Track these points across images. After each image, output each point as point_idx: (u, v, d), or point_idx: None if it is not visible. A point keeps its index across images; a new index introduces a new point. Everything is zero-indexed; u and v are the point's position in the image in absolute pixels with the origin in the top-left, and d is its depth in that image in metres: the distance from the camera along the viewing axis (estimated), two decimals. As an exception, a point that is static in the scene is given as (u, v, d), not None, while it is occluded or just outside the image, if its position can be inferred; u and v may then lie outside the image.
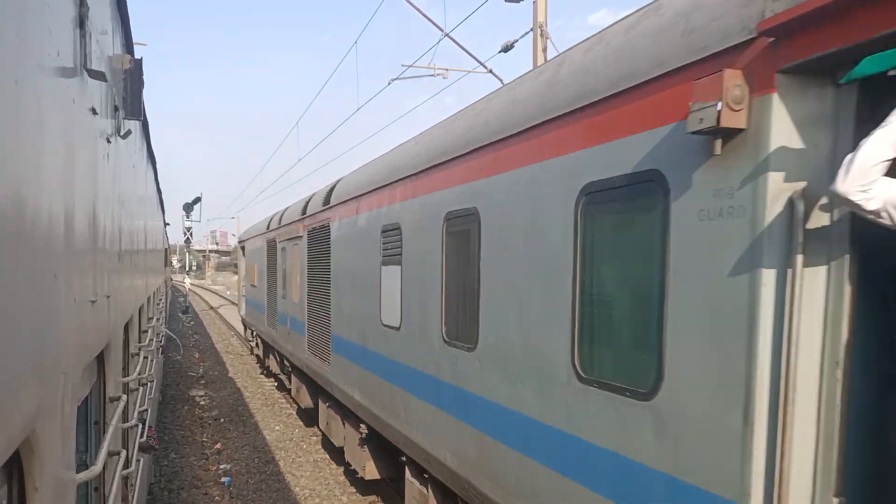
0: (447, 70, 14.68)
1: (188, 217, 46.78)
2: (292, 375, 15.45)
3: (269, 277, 17.47)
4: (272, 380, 20.85)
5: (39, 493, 1.85)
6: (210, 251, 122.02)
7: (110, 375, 4.07)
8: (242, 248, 25.31)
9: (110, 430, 3.47)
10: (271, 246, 16.98)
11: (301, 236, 12.93)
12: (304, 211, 12.92)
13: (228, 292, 76.59)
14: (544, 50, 12.53)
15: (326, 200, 11.09)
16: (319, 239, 11.49)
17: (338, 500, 10.51)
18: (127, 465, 4.43)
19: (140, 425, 6.18)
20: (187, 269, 62.87)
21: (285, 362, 16.25)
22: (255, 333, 22.99)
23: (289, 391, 16.80)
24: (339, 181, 10.90)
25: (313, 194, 13.01)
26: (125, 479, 4.77)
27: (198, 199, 46.89)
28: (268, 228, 17.65)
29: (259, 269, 19.64)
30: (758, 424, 2.92)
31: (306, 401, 14.08)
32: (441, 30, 13.10)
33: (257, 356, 22.85)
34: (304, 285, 12.54)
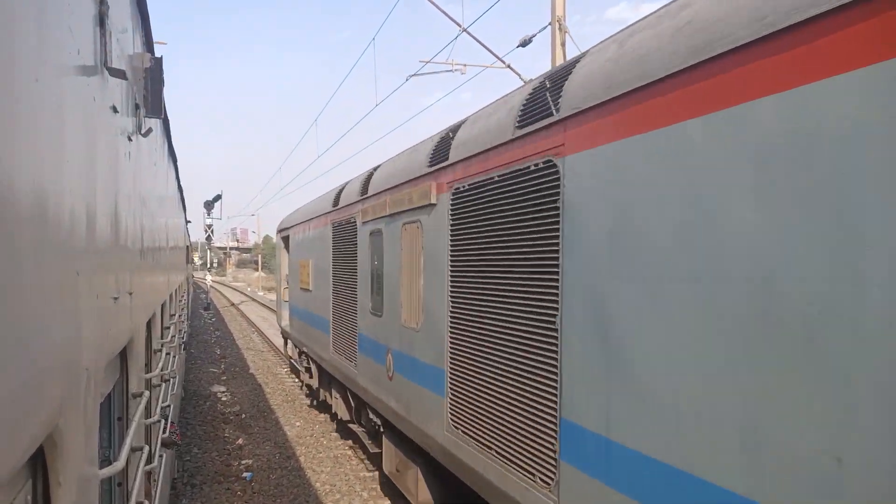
0: (465, 66, 14.64)
1: (209, 215, 47.25)
2: (385, 437, 9.40)
3: (340, 280, 11.44)
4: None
5: (63, 488, 1.87)
6: (231, 248, 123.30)
7: (133, 372, 4.11)
8: (285, 238, 18.36)
9: (133, 425, 3.50)
10: (344, 231, 11.19)
11: (431, 206, 6.96)
12: (437, 158, 6.99)
13: (249, 289, 77.41)
14: (563, 44, 12.44)
15: (547, 100, 4.87)
16: (509, 203, 5.30)
17: (358, 496, 10.56)
18: (150, 460, 4.48)
19: (163, 421, 6.25)
20: (208, 266, 63.60)
21: (370, 414, 10.25)
22: (303, 354, 16.52)
23: (374, 451, 10.82)
24: (579, 60, 4.85)
25: (463, 121, 6.84)
26: (148, 474, 4.82)
27: (218, 197, 47.31)
28: (335, 206, 11.75)
29: (316, 268, 13.52)
30: None
31: (424, 496, 7.91)
32: (459, 25, 13.06)
33: (309, 387, 16.57)
34: (443, 299, 6.63)
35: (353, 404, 11.83)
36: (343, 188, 11.75)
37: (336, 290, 11.75)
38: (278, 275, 21.03)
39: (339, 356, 11.63)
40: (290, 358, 19.82)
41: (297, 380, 19.55)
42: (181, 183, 15.19)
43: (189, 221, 29.09)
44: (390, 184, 8.51)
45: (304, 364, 16.58)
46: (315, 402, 16.23)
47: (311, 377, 15.95)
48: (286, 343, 20.49)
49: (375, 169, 9.96)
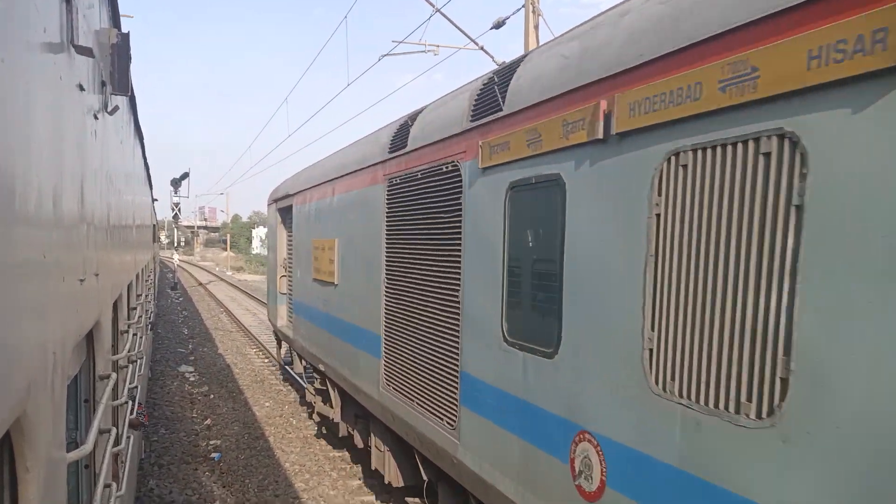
0: (438, 46, 14.55)
1: (176, 193, 46.53)
2: None
3: (409, 273, 7.08)
4: (263, 355, 20.87)
5: (31, 473, 1.86)
6: (198, 227, 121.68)
7: (100, 353, 4.07)
8: (284, 210, 13.62)
9: (101, 408, 3.47)
10: (422, 190, 6.76)
11: None
12: None
13: (217, 269, 76.61)
14: (536, 27, 12.44)
15: None
16: None
17: (327, 476, 10.61)
18: (117, 442, 4.45)
19: (130, 402, 6.19)
20: (175, 245, 62.70)
21: None
22: (313, 371, 12.44)
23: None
24: None
25: None
26: (115, 456, 4.79)
27: (186, 175, 46.59)
28: (395, 150, 7.45)
29: (349, 251, 9.09)
30: None
31: None
32: (432, 5, 12.95)
33: (322, 416, 12.02)
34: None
35: (426, 478, 7.25)
36: (414, 117, 7.21)
37: (397, 288, 7.28)
38: (272, 258, 15.67)
39: (404, 399, 7.16)
40: (287, 365, 16.23)
41: (296, 395, 15.58)
42: (148, 160, 14.92)
43: (156, 199, 28.61)
44: (630, 60, 3.86)
45: (318, 384, 11.96)
46: (324, 431, 12.47)
47: (326, 404, 11.40)
48: (280, 345, 16.30)
49: (517, 64, 5.38)
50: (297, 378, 14.99)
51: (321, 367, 10.94)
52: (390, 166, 7.51)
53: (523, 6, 12.70)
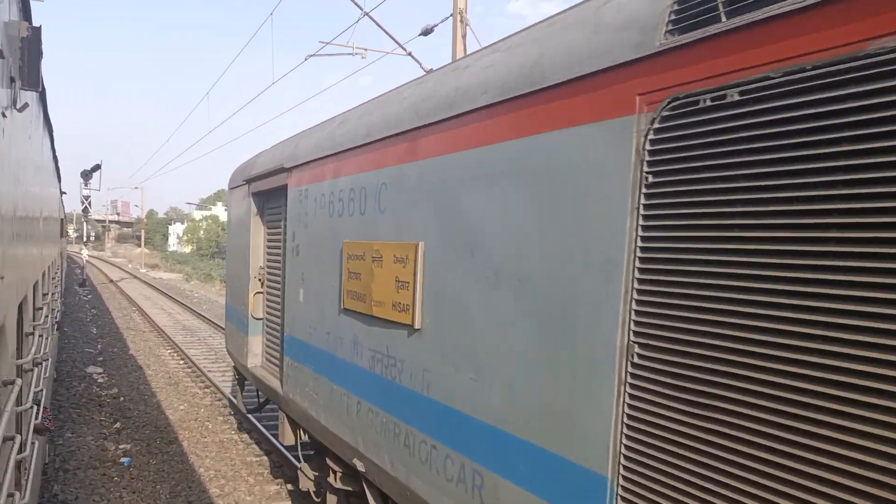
0: (366, 50, 14.56)
1: (86, 185, 44.35)
2: None
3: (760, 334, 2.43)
4: (178, 356, 20.27)
5: None
6: (110, 222, 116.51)
7: (3, 358, 3.94)
8: (269, 193, 9.00)
9: (5, 416, 3.38)
10: None
11: None
12: None
13: (130, 265, 73.62)
14: (464, 36, 12.66)
15: None
16: None
17: (244, 482, 10.45)
18: (21, 449, 4.30)
19: (35, 407, 5.95)
20: (85, 239, 59.74)
21: None
22: (310, 443, 8.13)
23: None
24: None
25: None
26: (19, 463, 4.62)
27: (97, 167, 44.44)
28: (705, 22, 2.65)
29: (451, 262, 4.48)
30: None
31: None
32: (360, 8, 12.98)
33: None
34: None
35: None
36: None
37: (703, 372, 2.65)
38: (236, 264, 10.70)
39: None
40: (250, 413, 11.97)
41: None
42: (56, 153, 14.26)
43: (64, 193, 27.26)
44: None
45: (338, 480, 7.02)
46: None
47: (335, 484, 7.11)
48: (241, 386, 11.33)
49: None
50: (282, 449, 10.79)
51: (359, 467, 6.17)
52: (679, 69, 2.84)
53: (451, 15, 12.90)
